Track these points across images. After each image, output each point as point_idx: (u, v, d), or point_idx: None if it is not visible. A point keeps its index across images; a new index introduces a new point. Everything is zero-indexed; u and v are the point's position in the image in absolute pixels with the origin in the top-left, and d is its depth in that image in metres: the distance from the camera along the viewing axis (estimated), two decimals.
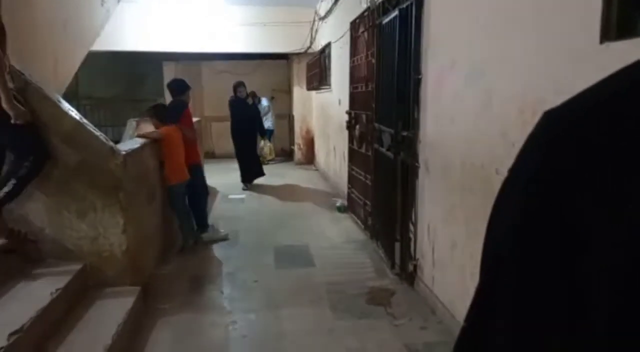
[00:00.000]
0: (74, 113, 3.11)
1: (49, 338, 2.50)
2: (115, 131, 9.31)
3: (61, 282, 2.80)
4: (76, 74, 5.49)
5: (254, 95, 10.19)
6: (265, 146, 8.61)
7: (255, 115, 7.76)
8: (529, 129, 1.72)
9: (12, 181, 2.81)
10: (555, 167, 0.37)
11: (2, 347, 2.07)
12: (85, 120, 3.15)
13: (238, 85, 7.33)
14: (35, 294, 2.62)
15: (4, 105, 2.72)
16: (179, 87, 4.81)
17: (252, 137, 7.71)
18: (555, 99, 1.56)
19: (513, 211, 0.41)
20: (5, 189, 2.80)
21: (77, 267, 3.03)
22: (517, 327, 0.40)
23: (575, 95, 0.39)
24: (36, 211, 3.08)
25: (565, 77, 1.84)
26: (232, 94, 7.41)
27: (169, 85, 4.93)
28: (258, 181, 7.76)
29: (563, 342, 0.36)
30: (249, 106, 7.62)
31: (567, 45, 1.84)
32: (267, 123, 9.99)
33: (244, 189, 7.49)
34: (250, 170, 7.63)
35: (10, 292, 2.63)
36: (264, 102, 10.46)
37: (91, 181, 3.10)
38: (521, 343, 0.39)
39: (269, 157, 8.33)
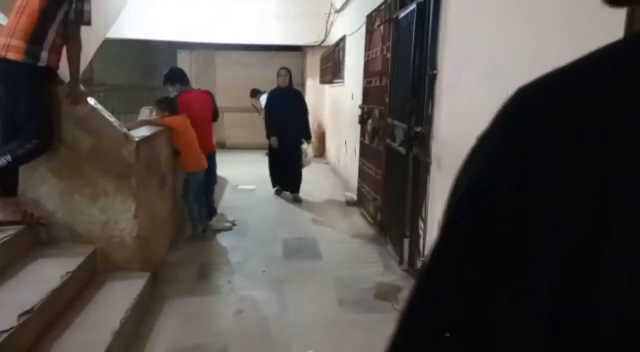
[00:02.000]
0: (89, 99, 3.13)
1: (58, 320, 2.53)
2: (129, 118, 9.35)
3: (72, 265, 2.82)
4: (91, 61, 5.53)
5: (256, 93, 9.73)
6: (307, 154, 6.45)
7: (300, 112, 6.17)
8: None
9: (7, 158, 2.75)
10: (522, 141, 0.37)
11: (12, 327, 2.09)
12: (99, 106, 3.17)
13: (280, 70, 6.12)
14: (46, 276, 2.65)
15: (72, 83, 2.93)
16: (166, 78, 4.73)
17: (294, 140, 6.06)
18: None
19: (471, 179, 0.42)
20: None
21: (87, 251, 3.06)
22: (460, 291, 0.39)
23: (547, 73, 0.40)
24: (49, 194, 3.11)
25: None
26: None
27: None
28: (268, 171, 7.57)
29: (506, 308, 0.35)
30: (291, 99, 6.10)
31: (588, 43, 1.80)
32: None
33: (276, 193, 6.43)
34: (285, 181, 6.33)
35: (22, 273, 2.66)
36: (264, 99, 9.60)
37: (104, 166, 3.12)
38: (462, 310, 0.38)
39: (309, 164, 6.65)
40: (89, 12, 2.85)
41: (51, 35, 2.76)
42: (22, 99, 2.79)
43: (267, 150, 7.63)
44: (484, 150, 0.42)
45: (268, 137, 6.11)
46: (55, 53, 2.83)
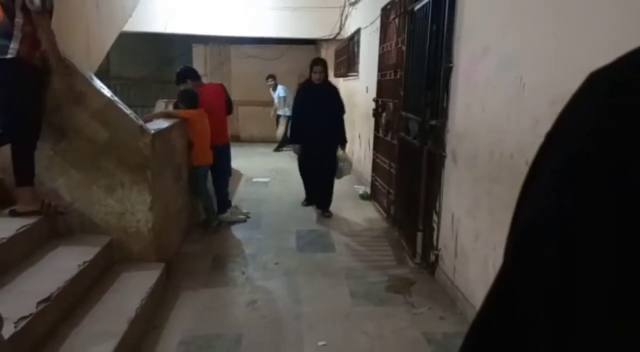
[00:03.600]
0: (105, 91, 3.17)
1: (75, 308, 2.57)
2: (145, 111, 9.45)
3: (88, 255, 2.87)
4: (107, 54, 5.57)
5: (272, 78, 9.91)
6: (342, 160, 5.28)
7: (335, 112, 5.09)
8: None
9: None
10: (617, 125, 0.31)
11: (31, 314, 2.14)
12: (116, 99, 3.21)
13: (314, 64, 5.08)
14: (63, 266, 2.70)
15: (57, 68, 2.87)
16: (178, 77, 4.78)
17: (326, 147, 5.07)
18: None
19: (557, 174, 0.35)
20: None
21: (104, 241, 3.11)
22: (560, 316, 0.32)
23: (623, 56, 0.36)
24: (66, 185, 3.16)
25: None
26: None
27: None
28: (282, 163, 7.47)
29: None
30: (325, 97, 5.06)
31: (607, 36, 1.78)
32: (283, 111, 9.62)
33: (304, 204, 5.59)
34: (314, 194, 5.42)
35: (40, 263, 2.72)
36: (280, 91, 9.71)
37: (120, 158, 3.15)
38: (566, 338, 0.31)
39: (345, 175, 5.45)
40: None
41: (18, 26, 2.71)
42: None
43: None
44: (558, 160, 0.35)
45: (291, 142, 5.40)
46: (28, 42, 2.75)
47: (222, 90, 4.89)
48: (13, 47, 2.71)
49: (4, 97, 2.81)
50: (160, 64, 12.00)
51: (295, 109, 5.28)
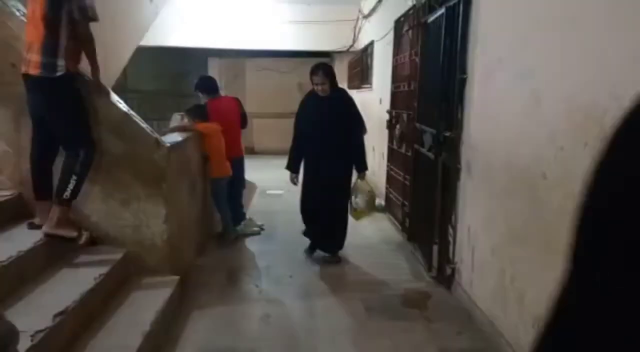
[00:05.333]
0: (122, 105, 3.21)
1: (91, 321, 2.58)
2: (161, 124, 9.56)
3: (104, 268, 2.88)
4: (125, 68, 5.67)
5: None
6: (360, 193, 4.23)
7: (349, 128, 4.05)
8: (579, 132, 1.67)
9: (74, 178, 2.82)
10: None
11: (47, 327, 2.15)
12: (132, 112, 3.24)
13: (312, 74, 3.97)
14: (79, 279, 2.71)
15: (94, 81, 2.92)
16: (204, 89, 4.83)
17: (336, 173, 4.03)
18: (609, 103, 1.51)
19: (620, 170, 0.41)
20: (70, 187, 2.82)
21: (120, 254, 3.12)
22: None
23: None
24: (83, 198, 3.18)
25: (621, 81, 1.75)
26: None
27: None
28: None
29: None
30: (334, 110, 3.99)
31: (625, 47, 1.75)
32: None
33: (306, 252, 4.30)
34: (318, 233, 4.21)
35: (57, 275, 2.73)
36: None
37: (136, 171, 3.18)
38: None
39: (363, 215, 4.33)
40: (93, 8, 2.77)
41: (63, 40, 2.73)
42: (52, 112, 2.82)
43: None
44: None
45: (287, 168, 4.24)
46: (72, 57, 2.80)
47: (236, 104, 4.92)
48: (61, 64, 2.72)
49: (64, 118, 2.83)
50: (177, 78, 12.15)
51: (296, 127, 4.15)
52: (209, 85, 4.85)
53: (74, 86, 2.84)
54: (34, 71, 2.71)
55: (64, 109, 2.83)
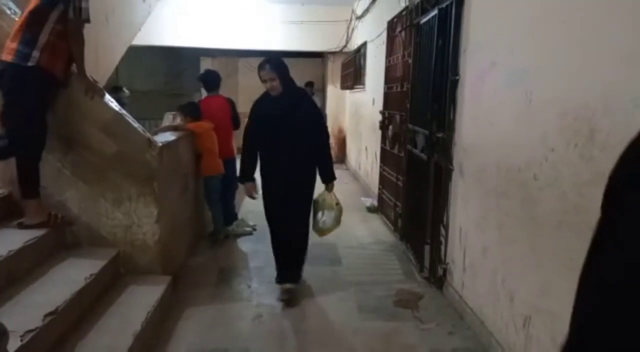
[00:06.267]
0: (113, 104, 3.19)
1: (81, 321, 2.57)
2: (153, 124, 9.53)
3: (95, 268, 2.87)
4: (117, 67, 5.64)
5: (310, 85, 9.88)
6: (327, 210, 3.63)
7: (310, 131, 3.39)
8: (569, 134, 1.69)
9: None
10: None
11: (37, 327, 2.14)
12: (124, 112, 3.23)
13: (259, 70, 3.36)
14: (70, 278, 2.70)
15: (80, 77, 2.93)
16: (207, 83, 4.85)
17: (297, 184, 3.41)
18: (599, 105, 1.53)
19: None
20: None
21: (111, 254, 3.11)
22: None
23: None
24: (74, 198, 3.17)
25: (612, 83, 1.77)
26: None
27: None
28: None
29: None
30: (292, 111, 3.34)
31: (615, 49, 1.77)
32: None
33: (277, 281, 3.53)
34: (287, 259, 3.56)
35: (47, 275, 2.72)
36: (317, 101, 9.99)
37: (127, 171, 3.16)
38: None
39: (328, 231, 3.70)
40: (87, 10, 2.82)
41: (44, 35, 2.75)
42: (7, 97, 2.82)
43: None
44: None
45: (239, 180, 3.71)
46: (50, 52, 2.79)
47: (226, 104, 4.89)
48: (35, 55, 2.74)
49: (16, 103, 2.82)
50: (169, 77, 12.12)
51: (247, 133, 3.55)
52: (208, 79, 4.86)
53: (41, 81, 2.81)
54: (6, 57, 2.74)
55: (18, 96, 2.80)
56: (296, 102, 3.39)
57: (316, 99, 10.12)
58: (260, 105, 3.50)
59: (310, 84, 10.10)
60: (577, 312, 0.45)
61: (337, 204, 3.66)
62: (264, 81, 3.34)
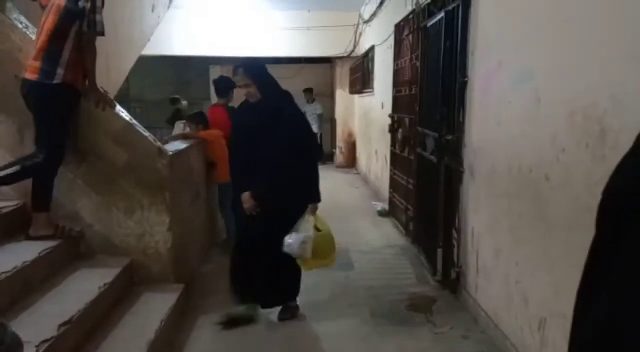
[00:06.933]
0: (124, 114, 3.22)
1: (95, 330, 2.58)
2: (164, 133, 9.61)
3: (109, 277, 2.89)
4: (127, 77, 5.70)
5: (309, 92, 10.00)
6: (294, 234, 2.92)
7: (284, 146, 2.91)
8: (580, 133, 1.68)
9: (17, 168, 2.83)
10: None
11: (52, 337, 2.15)
12: (134, 121, 3.26)
13: (233, 75, 3.15)
14: (84, 288, 2.72)
15: (91, 89, 2.96)
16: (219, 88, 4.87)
17: (278, 204, 2.92)
18: (609, 104, 1.51)
19: None
20: (9, 171, 2.83)
21: (124, 263, 3.13)
22: None
23: None
24: (86, 208, 3.20)
25: (621, 81, 1.75)
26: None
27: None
28: None
29: None
30: (266, 122, 2.93)
31: (624, 48, 1.75)
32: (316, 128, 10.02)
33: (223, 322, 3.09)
34: (249, 282, 3.11)
35: (61, 285, 2.74)
36: (317, 108, 10.13)
37: (139, 180, 3.19)
38: None
39: (316, 264, 3.11)
40: (102, 23, 2.86)
41: (66, 51, 2.80)
42: (37, 115, 2.87)
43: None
44: None
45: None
46: (73, 68, 2.85)
47: (224, 113, 4.86)
48: (59, 72, 2.79)
49: (47, 121, 2.87)
50: (179, 86, 12.21)
51: (230, 145, 3.31)
52: (219, 85, 4.84)
53: (68, 97, 2.88)
54: (31, 76, 2.79)
55: (47, 113, 2.86)
56: (275, 109, 2.96)
57: (318, 105, 10.28)
58: (239, 113, 3.18)
59: (309, 90, 10.22)
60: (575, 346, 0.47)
61: (324, 233, 3.02)
62: (238, 87, 3.07)
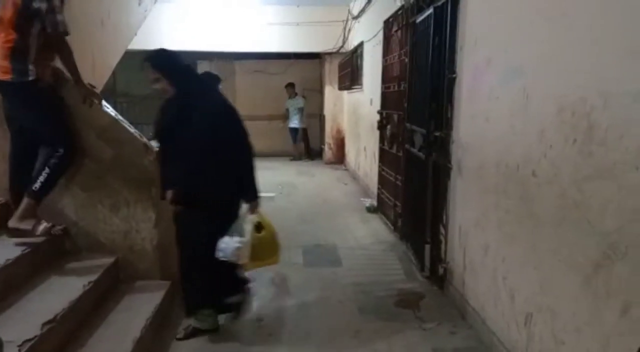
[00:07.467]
0: (110, 110, 3.18)
1: (80, 329, 2.55)
2: (151, 128, 9.52)
3: (94, 275, 2.85)
4: (113, 72, 5.62)
5: (291, 86, 10.26)
6: (241, 240, 2.69)
7: (209, 142, 2.68)
8: (568, 129, 1.69)
9: (46, 171, 2.82)
10: None
11: (36, 336, 2.12)
12: (120, 117, 3.22)
13: (145, 71, 2.77)
14: (68, 286, 2.68)
15: (78, 86, 2.93)
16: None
17: (208, 204, 2.74)
18: (598, 100, 1.52)
19: None
20: (41, 179, 2.81)
21: (109, 260, 3.09)
22: None
23: None
24: (71, 204, 3.15)
25: (610, 78, 1.75)
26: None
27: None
28: (288, 178, 7.45)
29: None
30: (187, 118, 2.67)
31: (613, 45, 1.75)
32: (300, 122, 10.27)
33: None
34: (199, 289, 2.88)
35: (45, 283, 2.70)
36: (300, 102, 10.42)
37: (125, 176, 3.15)
38: None
39: (257, 265, 2.93)
40: (64, 23, 2.76)
41: (33, 48, 2.73)
42: (29, 114, 2.84)
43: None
44: None
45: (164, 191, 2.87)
46: (40, 63, 2.78)
47: None
48: (32, 68, 2.74)
49: (42, 119, 2.86)
50: None
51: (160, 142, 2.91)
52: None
53: (47, 89, 2.84)
54: (4, 77, 2.72)
55: (39, 110, 2.84)
56: (193, 102, 2.69)
57: (299, 99, 10.46)
58: (160, 111, 2.87)
59: (291, 85, 10.38)
60: None
61: (265, 235, 2.86)
62: (150, 82, 2.73)
